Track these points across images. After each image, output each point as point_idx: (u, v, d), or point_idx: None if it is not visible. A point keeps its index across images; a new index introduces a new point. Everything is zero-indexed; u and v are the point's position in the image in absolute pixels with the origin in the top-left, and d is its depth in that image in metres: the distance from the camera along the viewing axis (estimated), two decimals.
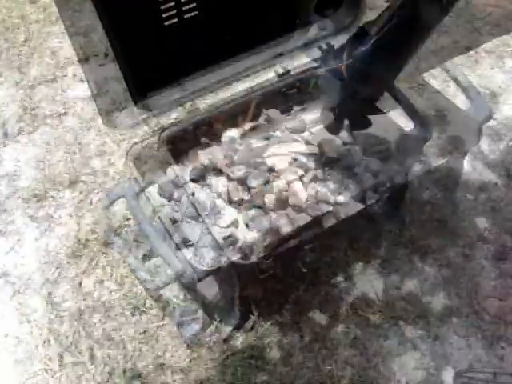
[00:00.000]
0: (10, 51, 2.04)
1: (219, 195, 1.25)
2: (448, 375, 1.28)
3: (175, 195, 1.32)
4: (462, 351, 1.32)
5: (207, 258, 1.10)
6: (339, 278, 1.45)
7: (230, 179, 1.27)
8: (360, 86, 1.09)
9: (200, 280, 1.09)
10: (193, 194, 1.28)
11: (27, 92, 1.90)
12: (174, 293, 1.40)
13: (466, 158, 1.68)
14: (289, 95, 1.49)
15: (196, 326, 1.32)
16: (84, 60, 1.90)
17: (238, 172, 1.27)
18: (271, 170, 1.28)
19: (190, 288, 1.36)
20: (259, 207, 1.23)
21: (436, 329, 1.36)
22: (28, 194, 1.63)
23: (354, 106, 1.15)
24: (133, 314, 1.38)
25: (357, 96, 1.11)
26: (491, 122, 1.79)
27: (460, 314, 1.38)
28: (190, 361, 1.30)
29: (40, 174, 1.67)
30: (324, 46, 1.27)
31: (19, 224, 1.57)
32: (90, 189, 1.63)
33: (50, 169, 1.68)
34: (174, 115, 1.57)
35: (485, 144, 1.74)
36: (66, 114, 1.83)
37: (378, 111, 1.28)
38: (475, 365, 1.27)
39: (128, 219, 1.54)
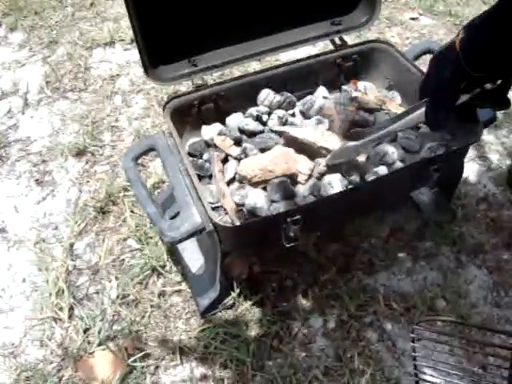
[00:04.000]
0: (42, 29, 2.13)
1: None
2: None
3: (205, 156, 1.27)
4: None
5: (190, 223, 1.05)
6: (376, 267, 1.33)
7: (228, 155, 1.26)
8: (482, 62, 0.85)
9: (180, 241, 1.05)
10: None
11: (52, 67, 1.94)
12: None
13: None
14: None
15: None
16: (110, 43, 2.01)
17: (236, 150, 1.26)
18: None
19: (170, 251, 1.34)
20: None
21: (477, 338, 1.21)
22: (37, 159, 1.65)
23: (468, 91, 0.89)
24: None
25: (473, 79, 0.87)
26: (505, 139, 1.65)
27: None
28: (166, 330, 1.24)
29: (52, 141, 1.70)
30: None
31: (25, 183, 1.58)
32: (95, 159, 1.64)
33: (61, 137, 1.71)
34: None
35: None
36: (85, 90, 1.86)
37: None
38: None
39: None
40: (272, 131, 1.30)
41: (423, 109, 0.97)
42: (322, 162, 1.19)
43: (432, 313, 1.23)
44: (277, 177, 1.16)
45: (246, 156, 1.23)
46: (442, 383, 0.95)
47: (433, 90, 0.94)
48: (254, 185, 1.18)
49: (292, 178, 1.17)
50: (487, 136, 1.65)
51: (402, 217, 1.40)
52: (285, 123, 1.32)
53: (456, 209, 1.42)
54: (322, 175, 1.18)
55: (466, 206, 1.43)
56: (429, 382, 0.90)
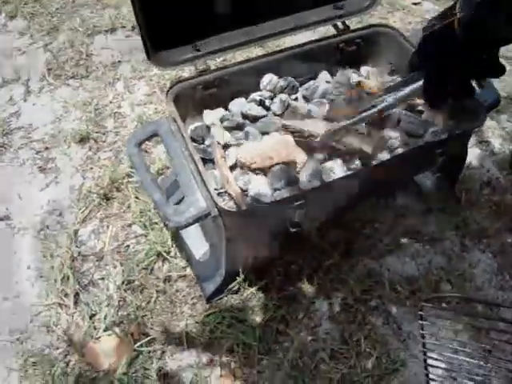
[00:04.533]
0: (42, 16, 2.11)
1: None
2: None
3: (207, 141, 1.27)
4: None
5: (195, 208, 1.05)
6: (380, 252, 1.33)
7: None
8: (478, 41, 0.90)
9: (185, 226, 1.05)
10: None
11: (54, 54, 1.93)
12: None
13: None
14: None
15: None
16: (111, 30, 2.00)
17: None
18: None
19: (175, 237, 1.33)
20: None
21: (483, 320, 1.22)
22: (40, 147, 1.64)
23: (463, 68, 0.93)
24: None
25: (471, 55, 0.92)
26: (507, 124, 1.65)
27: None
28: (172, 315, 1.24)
29: (54, 128, 1.69)
30: None
31: (28, 171, 1.58)
32: (98, 146, 1.64)
33: (64, 124, 1.70)
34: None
35: None
36: (87, 77, 1.85)
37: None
38: None
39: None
40: (275, 115, 1.30)
41: (418, 83, 0.99)
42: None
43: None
44: (276, 163, 1.15)
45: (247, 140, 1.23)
46: (450, 361, 0.96)
47: (431, 66, 0.95)
48: (253, 171, 1.18)
49: (290, 166, 1.17)
50: (489, 121, 1.64)
51: (406, 202, 1.40)
52: (287, 107, 1.31)
53: (460, 193, 1.42)
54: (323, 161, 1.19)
55: (469, 191, 1.44)
56: (437, 359, 0.90)
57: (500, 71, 0.94)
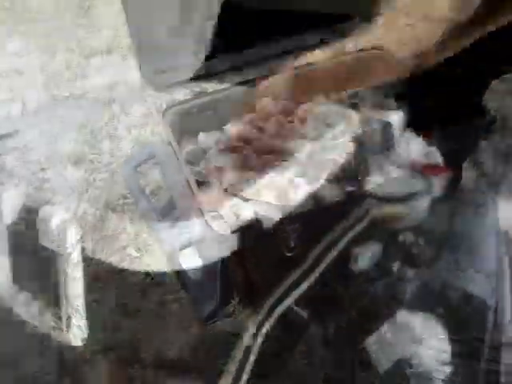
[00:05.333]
0: (39, 37, 2.11)
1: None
2: None
3: (202, 164, 1.27)
4: None
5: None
6: (375, 274, 1.32)
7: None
8: None
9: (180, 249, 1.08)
10: None
11: (50, 75, 1.95)
12: None
13: None
14: None
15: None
16: (108, 51, 2.00)
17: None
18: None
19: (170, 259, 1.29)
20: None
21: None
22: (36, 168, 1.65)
23: None
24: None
25: None
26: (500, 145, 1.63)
27: None
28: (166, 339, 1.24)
29: (50, 149, 1.70)
30: None
31: (23, 191, 1.58)
32: (94, 167, 1.65)
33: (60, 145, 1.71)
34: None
35: None
36: (84, 98, 1.86)
37: None
38: None
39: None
40: None
41: None
42: None
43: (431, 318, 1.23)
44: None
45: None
46: None
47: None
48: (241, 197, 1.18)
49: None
50: (482, 142, 1.65)
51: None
52: None
53: (453, 214, 1.42)
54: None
55: (463, 212, 1.43)
56: None
57: None
